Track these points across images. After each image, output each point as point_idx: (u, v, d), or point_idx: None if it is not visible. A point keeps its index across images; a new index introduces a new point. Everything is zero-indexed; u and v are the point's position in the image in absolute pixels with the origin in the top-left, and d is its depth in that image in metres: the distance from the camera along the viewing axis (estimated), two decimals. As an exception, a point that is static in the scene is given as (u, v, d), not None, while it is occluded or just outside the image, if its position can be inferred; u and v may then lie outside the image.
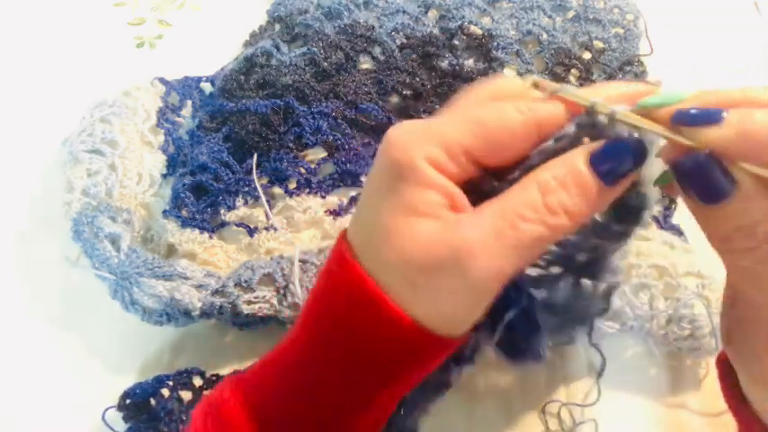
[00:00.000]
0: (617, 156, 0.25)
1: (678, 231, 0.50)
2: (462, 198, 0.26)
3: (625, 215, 0.27)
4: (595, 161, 0.24)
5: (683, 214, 0.52)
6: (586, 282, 0.30)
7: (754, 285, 0.26)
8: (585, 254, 0.29)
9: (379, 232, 0.26)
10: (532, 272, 0.30)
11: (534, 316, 0.31)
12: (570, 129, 0.25)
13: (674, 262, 0.45)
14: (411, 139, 0.26)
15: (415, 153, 0.25)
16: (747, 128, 0.22)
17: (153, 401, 0.42)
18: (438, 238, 0.25)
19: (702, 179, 0.23)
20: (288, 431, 0.29)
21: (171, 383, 0.43)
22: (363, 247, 0.27)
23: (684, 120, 0.24)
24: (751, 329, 0.27)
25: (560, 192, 0.24)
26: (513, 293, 0.30)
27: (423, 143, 0.25)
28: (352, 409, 0.28)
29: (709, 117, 0.23)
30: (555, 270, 0.30)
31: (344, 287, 0.27)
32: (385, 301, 0.26)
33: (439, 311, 0.26)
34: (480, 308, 0.26)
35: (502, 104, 0.26)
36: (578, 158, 0.25)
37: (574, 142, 0.25)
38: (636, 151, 0.25)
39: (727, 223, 0.24)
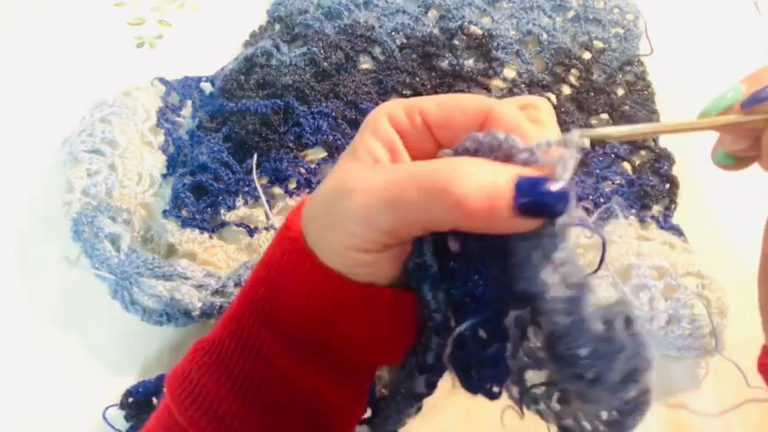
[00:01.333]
0: (540, 188, 0.23)
1: (678, 231, 0.50)
2: (405, 156, 0.28)
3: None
4: (522, 183, 0.23)
5: (683, 214, 0.52)
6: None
7: None
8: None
9: (327, 178, 0.28)
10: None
11: (495, 346, 0.28)
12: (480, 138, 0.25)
13: (674, 262, 0.45)
14: (388, 102, 0.29)
15: (382, 109, 0.28)
16: None
17: (155, 400, 0.42)
18: (347, 171, 0.27)
19: None
20: (246, 378, 0.28)
21: (170, 380, 0.43)
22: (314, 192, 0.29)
23: (757, 99, 0.25)
24: None
25: (468, 184, 0.23)
26: (473, 307, 0.28)
27: (392, 104, 0.28)
28: (297, 360, 0.28)
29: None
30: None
31: (282, 226, 0.29)
32: (294, 226, 0.28)
33: (324, 245, 0.27)
34: (360, 254, 0.26)
35: (475, 94, 0.29)
36: (509, 169, 0.24)
37: (494, 149, 0.25)
38: (561, 198, 0.23)
39: None
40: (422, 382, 0.30)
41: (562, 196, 0.23)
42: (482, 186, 0.23)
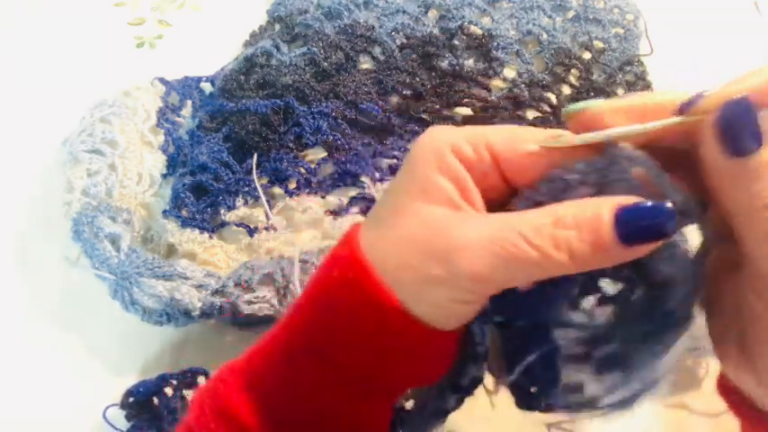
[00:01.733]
0: (645, 217, 0.23)
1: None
2: (475, 194, 0.26)
3: (657, 318, 0.26)
4: (622, 214, 0.24)
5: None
6: (615, 377, 0.29)
7: None
8: (610, 346, 0.28)
9: (387, 212, 0.27)
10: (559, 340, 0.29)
11: (555, 365, 0.29)
12: (579, 167, 0.25)
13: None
14: (444, 129, 0.27)
15: (443, 139, 0.26)
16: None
17: (156, 400, 0.42)
18: (440, 223, 0.25)
19: (738, 125, 0.23)
20: (284, 409, 0.29)
21: (175, 382, 0.43)
22: (369, 228, 0.27)
23: (690, 104, 0.24)
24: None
25: (572, 230, 0.24)
26: (535, 336, 0.29)
27: (452, 134, 0.27)
28: (342, 395, 0.28)
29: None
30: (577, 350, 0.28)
31: (338, 260, 0.28)
32: (369, 273, 0.26)
33: (420, 296, 0.26)
34: (460, 306, 0.26)
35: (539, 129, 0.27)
36: (605, 206, 0.24)
37: (584, 181, 0.25)
38: (666, 219, 0.23)
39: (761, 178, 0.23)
40: (453, 400, 0.31)
41: (669, 213, 0.23)
42: (585, 234, 0.24)
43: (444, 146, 0.26)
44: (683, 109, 0.25)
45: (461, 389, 0.31)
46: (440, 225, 0.25)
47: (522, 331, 0.29)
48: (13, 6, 0.72)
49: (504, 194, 0.27)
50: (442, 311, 0.26)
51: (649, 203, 0.23)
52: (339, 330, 0.27)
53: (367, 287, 0.26)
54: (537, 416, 0.43)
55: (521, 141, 0.26)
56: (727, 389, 0.31)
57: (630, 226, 0.23)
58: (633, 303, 0.26)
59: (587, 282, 0.27)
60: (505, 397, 0.44)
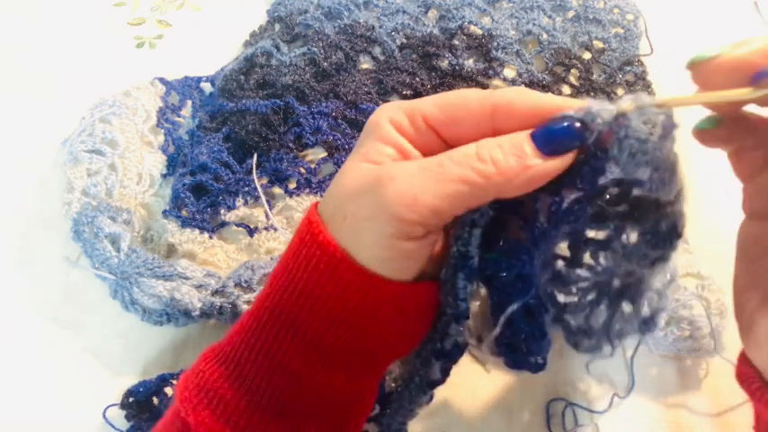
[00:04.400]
0: (558, 127, 0.26)
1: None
2: (415, 155, 0.28)
3: (657, 240, 0.27)
4: (536, 131, 0.26)
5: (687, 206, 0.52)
6: (627, 307, 0.30)
7: None
8: (620, 279, 0.29)
9: (336, 178, 0.29)
10: (566, 299, 0.30)
11: (541, 319, 0.30)
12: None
13: (674, 263, 0.45)
14: (387, 107, 0.29)
15: (383, 115, 0.28)
16: None
17: (155, 400, 0.42)
18: (372, 168, 0.27)
19: None
20: (263, 386, 0.29)
21: (175, 382, 0.43)
22: (325, 196, 0.29)
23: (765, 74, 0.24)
24: None
25: (495, 148, 0.26)
26: (519, 287, 0.30)
27: (393, 109, 0.29)
28: (314, 361, 0.28)
29: None
30: (590, 297, 0.30)
31: (298, 231, 0.29)
32: (320, 232, 0.27)
33: (360, 238, 0.27)
34: (404, 242, 0.26)
35: (471, 89, 0.29)
36: (522, 132, 0.26)
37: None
38: (573, 123, 0.25)
39: None
40: (437, 368, 0.32)
41: (570, 122, 0.25)
42: (505, 145, 0.26)
43: (383, 119, 0.28)
44: (757, 79, 0.25)
45: (445, 354, 0.31)
46: (370, 169, 0.27)
47: (506, 284, 0.30)
48: (13, 6, 0.72)
49: (441, 148, 0.28)
50: (386, 253, 0.27)
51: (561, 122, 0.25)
52: (302, 295, 0.28)
53: (317, 242, 0.27)
54: (538, 418, 0.43)
55: (451, 107, 0.28)
56: (747, 377, 0.31)
57: (544, 134, 0.26)
58: (626, 237, 0.27)
59: (576, 237, 0.28)
60: (506, 397, 0.44)
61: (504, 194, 0.26)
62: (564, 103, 0.26)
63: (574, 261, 0.28)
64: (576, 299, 0.30)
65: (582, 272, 0.28)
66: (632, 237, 0.27)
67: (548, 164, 0.26)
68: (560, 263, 0.29)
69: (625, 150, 0.24)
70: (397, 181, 0.26)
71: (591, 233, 0.28)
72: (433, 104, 0.28)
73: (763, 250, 0.30)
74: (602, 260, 0.28)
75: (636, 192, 0.26)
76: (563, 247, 0.29)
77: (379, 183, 0.26)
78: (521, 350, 0.32)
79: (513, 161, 0.25)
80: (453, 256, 0.29)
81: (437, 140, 0.28)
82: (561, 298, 0.30)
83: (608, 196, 0.27)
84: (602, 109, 0.25)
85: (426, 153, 0.28)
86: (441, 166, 0.26)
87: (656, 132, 0.24)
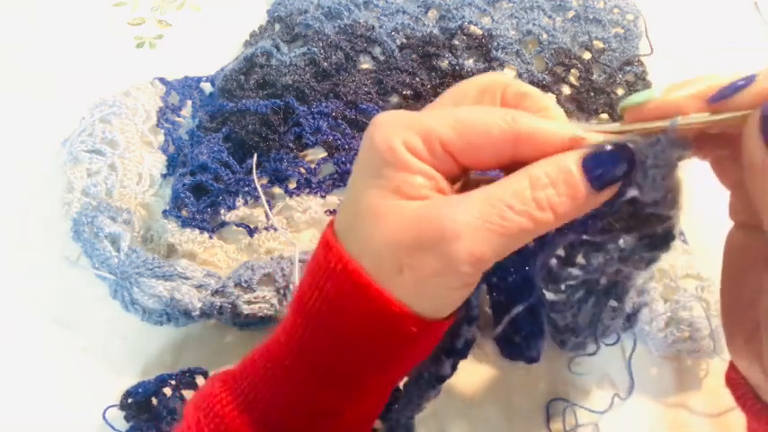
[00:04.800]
0: (608, 161, 0.25)
1: (678, 231, 0.50)
2: (445, 183, 0.27)
3: (654, 244, 0.27)
4: (587, 164, 0.25)
5: (683, 215, 0.52)
6: (613, 304, 0.30)
7: None
8: (608, 277, 0.29)
9: (364, 215, 0.26)
10: (555, 297, 0.30)
11: (541, 318, 0.31)
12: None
13: (674, 264, 0.45)
14: (393, 125, 0.26)
15: (394, 138, 0.26)
16: None
17: (155, 401, 0.42)
18: (426, 216, 0.25)
19: None
20: (280, 422, 0.29)
21: (173, 383, 0.43)
22: (349, 231, 0.27)
23: (723, 95, 0.25)
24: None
25: (549, 188, 0.25)
26: (523, 288, 0.30)
27: (403, 129, 0.26)
28: (342, 398, 0.29)
29: (744, 82, 0.24)
30: (578, 295, 0.30)
31: (330, 273, 0.27)
32: (369, 284, 0.26)
33: (422, 292, 0.26)
34: (461, 291, 0.27)
35: (488, 108, 0.27)
36: (570, 159, 0.25)
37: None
38: (626, 158, 0.25)
39: None
40: (448, 365, 0.32)
41: (622, 156, 0.25)
42: (561, 188, 0.25)
43: (397, 143, 0.26)
44: (716, 98, 0.25)
45: (456, 352, 0.32)
46: (424, 217, 0.25)
47: (511, 286, 0.30)
48: (13, 6, 0.72)
49: (458, 173, 0.28)
50: (443, 302, 0.27)
51: (607, 147, 0.25)
52: (340, 340, 0.27)
53: (366, 293, 0.26)
54: (538, 418, 0.43)
55: (471, 132, 0.26)
56: (735, 383, 0.31)
57: (597, 170, 0.25)
58: (621, 242, 0.28)
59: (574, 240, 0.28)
60: (506, 398, 0.44)
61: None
62: (586, 133, 0.26)
63: (567, 261, 0.29)
64: (564, 296, 0.30)
65: (574, 270, 0.29)
66: (628, 241, 0.28)
67: (599, 198, 0.26)
68: (553, 261, 0.29)
69: (649, 178, 0.25)
70: (464, 239, 0.25)
71: (588, 236, 0.28)
72: (450, 129, 0.26)
73: (749, 259, 0.30)
74: (593, 260, 0.28)
75: (648, 210, 0.26)
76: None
77: (445, 240, 0.25)
78: (518, 344, 0.33)
79: (570, 204, 0.25)
80: None
81: (453, 163, 0.27)
82: (550, 296, 0.30)
83: (620, 213, 0.27)
84: (638, 143, 0.25)
85: (446, 176, 0.27)
86: (504, 219, 0.25)
87: (674, 159, 0.25)
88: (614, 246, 0.27)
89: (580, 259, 0.29)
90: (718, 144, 0.28)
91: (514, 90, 0.28)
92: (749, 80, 0.24)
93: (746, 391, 0.30)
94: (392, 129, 0.26)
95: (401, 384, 0.34)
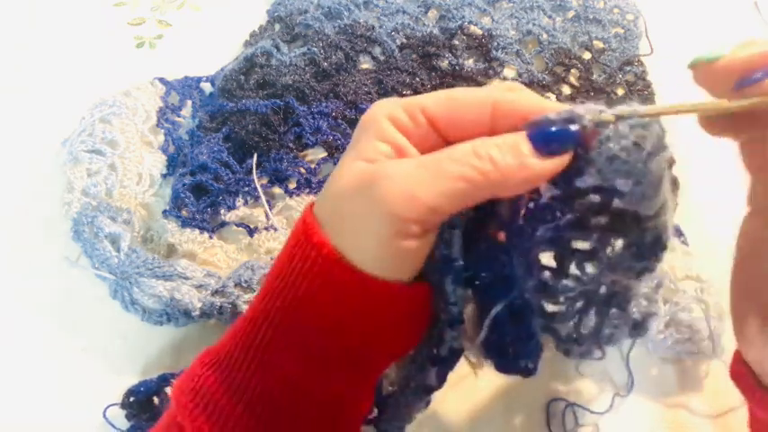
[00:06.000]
0: (552, 125, 0.26)
1: (678, 232, 0.50)
2: (413, 153, 0.28)
3: (642, 252, 0.27)
4: (531, 126, 0.26)
5: (683, 215, 0.52)
6: (615, 313, 0.30)
7: None
8: (607, 287, 0.29)
9: (331, 176, 0.28)
10: (555, 308, 0.30)
11: (527, 321, 0.30)
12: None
13: (674, 265, 0.45)
14: (385, 102, 0.28)
15: (380, 111, 0.28)
16: None
17: (156, 400, 0.42)
18: (367, 168, 0.27)
19: None
20: (258, 393, 0.29)
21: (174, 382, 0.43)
22: (320, 196, 0.29)
23: (748, 82, 0.25)
24: None
25: (493, 147, 0.26)
26: (501, 289, 0.30)
27: (391, 104, 0.28)
28: (315, 370, 0.28)
29: (762, 73, 0.25)
30: (578, 306, 0.29)
31: (294, 232, 0.29)
32: (314, 233, 0.27)
33: (360, 243, 0.26)
34: (406, 242, 0.26)
35: (473, 87, 0.29)
36: (518, 133, 0.26)
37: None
38: (571, 123, 0.25)
39: None
40: (433, 374, 0.31)
41: (567, 121, 0.25)
42: (503, 144, 0.26)
43: (381, 116, 0.28)
44: (739, 86, 0.25)
45: (441, 360, 0.31)
46: (367, 169, 0.27)
47: (489, 285, 0.30)
48: (13, 6, 0.72)
49: (432, 138, 0.28)
50: (384, 253, 0.26)
51: (553, 115, 0.26)
52: (296, 298, 0.28)
53: (311, 244, 0.27)
54: (538, 419, 0.43)
55: (452, 102, 0.27)
56: (739, 374, 0.31)
57: (540, 133, 0.26)
58: (611, 248, 0.27)
59: (561, 247, 0.28)
60: (506, 398, 0.44)
61: (500, 193, 0.26)
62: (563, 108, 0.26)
63: (560, 271, 0.28)
64: (563, 308, 0.29)
65: (569, 282, 0.28)
66: (617, 248, 0.27)
67: (545, 164, 0.26)
68: (547, 273, 0.28)
69: (603, 154, 0.24)
70: (393, 179, 0.25)
71: (577, 244, 0.28)
72: (433, 98, 0.28)
73: (765, 246, 0.30)
74: (588, 270, 0.28)
75: (617, 203, 0.26)
76: (548, 258, 0.29)
77: (375, 181, 0.26)
78: (508, 354, 0.31)
79: (511, 160, 0.25)
80: (438, 260, 0.28)
81: (435, 137, 0.28)
82: (550, 308, 0.29)
83: (588, 204, 0.26)
84: (587, 111, 0.25)
85: (424, 151, 0.28)
86: (438, 163, 0.26)
87: (645, 146, 0.24)
88: (604, 254, 0.27)
89: (575, 270, 0.28)
90: (755, 123, 0.28)
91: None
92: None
93: (754, 382, 0.30)
94: (381, 105, 0.28)
95: (390, 392, 0.34)
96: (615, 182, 0.25)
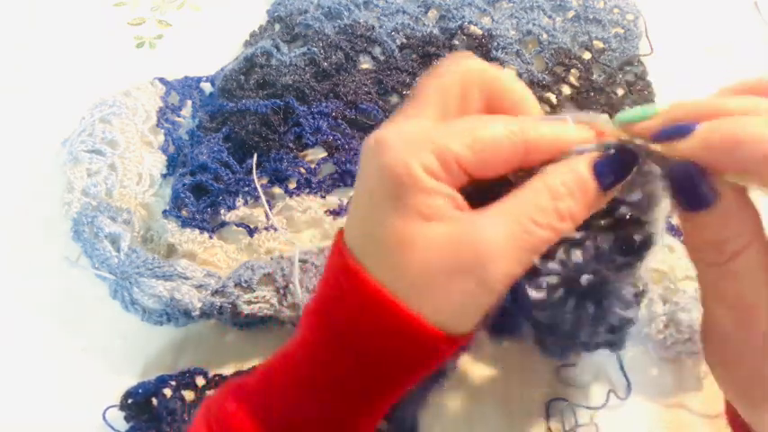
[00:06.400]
0: (616, 164, 0.26)
1: (678, 232, 0.50)
2: (460, 198, 0.27)
3: (629, 249, 0.28)
4: (598, 169, 0.26)
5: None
6: (591, 309, 0.30)
7: (717, 300, 0.28)
8: (588, 276, 0.29)
9: (389, 243, 0.26)
10: (536, 295, 0.30)
11: (523, 291, 0.30)
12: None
13: (673, 266, 0.45)
14: (406, 145, 0.26)
15: (411, 160, 0.25)
16: (710, 138, 0.24)
17: (155, 401, 0.42)
18: (458, 240, 0.25)
19: (687, 186, 0.25)
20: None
21: (174, 383, 0.43)
22: (371, 255, 0.27)
23: (661, 137, 0.26)
24: (730, 355, 0.29)
25: (568, 198, 0.26)
26: None
27: (417, 150, 0.26)
28: (360, 413, 0.29)
29: (680, 130, 0.25)
30: (558, 294, 0.30)
31: (354, 295, 0.27)
32: (401, 309, 0.26)
33: (456, 314, 0.27)
34: (489, 307, 0.27)
35: (493, 121, 0.27)
36: (582, 165, 0.26)
37: None
38: (632, 161, 0.26)
39: (702, 234, 0.26)
40: (451, 360, 0.32)
41: (629, 159, 0.26)
42: (578, 196, 0.26)
43: (415, 167, 0.26)
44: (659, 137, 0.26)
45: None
46: (456, 242, 0.25)
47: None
48: (13, 6, 0.72)
49: (468, 184, 0.28)
50: (472, 319, 0.27)
51: (612, 151, 0.27)
52: (364, 356, 0.27)
53: (397, 317, 0.26)
54: (538, 418, 0.43)
55: (485, 151, 0.26)
56: (733, 417, 0.32)
57: (606, 174, 0.26)
58: (599, 240, 0.29)
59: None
60: (506, 397, 0.44)
61: None
62: (587, 134, 0.27)
63: (547, 255, 0.29)
64: (544, 295, 0.30)
65: (553, 265, 0.29)
66: (606, 241, 0.28)
67: (606, 198, 0.27)
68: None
69: (632, 179, 0.26)
70: (498, 261, 0.25)
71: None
72: (465, 147, 0.26)
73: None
74: (572, 257, 0.29)
75: (623, 210, 0.27)
76: None
77: (480, 264, 0.25)
78: (499, 321, 0.32)
79: (585, 210, 0.26)
80: None
81: (466, 178, 0.27)
82: (532, 293, 0.30)
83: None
84: (640, 145, 0.26)
85: (459, 189, 0.27)
86: (530, 234, 0.26)
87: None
88: (592, 243, 0.28)
89: (561, 254, 0.29)
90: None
91: (494, 87, 0.30)
92: (686, 130, 0.25)
93: (745, 425, 0.30)
94: (406, 150, 0.26)
95: None
96: (630, 196, 0.27)
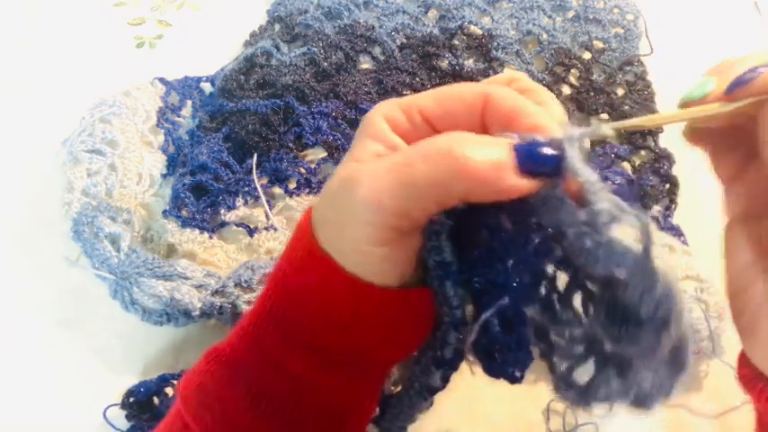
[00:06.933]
0: (540, 148, 0.24)
1: (678, 232, 0.50)
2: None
3: (613, 316, 0.25)
4: (519, 146, 0.24)
5: (683, 215, 0.52)
6: (613, 373, 0.28)
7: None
8: (611, 344, 0.27)
9: (329, 183, 0.28)
10: (557, 340, 0.28)
11: (520, 330, 0.29)
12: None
13: (674, 265, 0.45)
14: (383, 103, 0.28)
15: (377, 112, 0.28)
16: None
17: (156, 400, 0.42)
18: (345, 171, 0.26)
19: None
20: (263, 389, 0.29)
21: (175, 383, 0.43)
22: (319, 199, 0.29)
23: (732, 89, 0.25)
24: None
25: (472, 144, 0.24)
26: (492, 295, 0.29)
27: (389, 105, 0.28)
28: (314, 364, 0.28)
29: (747, 76, 0.25)
30: (578, 350, 0.28)
31: (294, 235, 0.29)
32: (308, 238, 0.27)
33: (342, 247, 0.26)
34: (377, 247, 0.26)
35: (469, 83, 0.28)
36: (505, 138, 0.25)
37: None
38: (555, 154, 0.24)
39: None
40: (438, 376, 0.31)
41: (555, 154, 0.24)
42: (485, 148, 0.24)
43: (377, 116, 0.27)
44: (731, 89, 0.26)
45: (445, 362, 0.30)
46: (350, 171, 0.26)
47: (482, 291, 0.29)
48: (13, 6, 0.72)
49: (427, 133, 0.27)
50: (363, 258, 0.26)
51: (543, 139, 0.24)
52: (297, 299, 0.28)
53: (311, 252, 0.27)
54: (538, 418, 0.43)
55: (448, 99, 0.27)
56: (748, 378, 0.31)
57: (529, 152, 0.24)
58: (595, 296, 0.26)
59: (575, 273, 0.26)
60: (506, 397, 0.44)
61: (472, 198, 0.24)
62: (551, 125, 0.25)
63: (566, 299, 0.27)
64: (564, 343, 0.28)
65: (569, 315, 0.27)
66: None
67: (521, 182, 0.24)
68: (555, 295, 0.28)
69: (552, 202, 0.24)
70: (363, 183, 0.24)
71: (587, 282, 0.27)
72: (430, 97, 0.27)
73: (757, 252, 0.29)
74: (589, 311, 0.27)
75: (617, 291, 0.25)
76: (561, 280, 0.28)
77: (349, 186, 0.25)
78: (496, 359, 0.31)
79: (489, 168, 0.23)
80: (433, 268, 0.28)
81: (429, 129, 0.27)
82: (553, 337, 0.28)
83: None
84: (581, 136, 0.24)
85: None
86: (408, 165, 0.24)
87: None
88: (603, 303, 0.26)
89: (578, 305, 0.27)
90: (720, 132, 0.29)
91: (517, 87, 0.28)
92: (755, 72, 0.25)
93: (765, 385, 0.30)
94: (380, 105, 0.28)
95: (393, 392, 0.34)
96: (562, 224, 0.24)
